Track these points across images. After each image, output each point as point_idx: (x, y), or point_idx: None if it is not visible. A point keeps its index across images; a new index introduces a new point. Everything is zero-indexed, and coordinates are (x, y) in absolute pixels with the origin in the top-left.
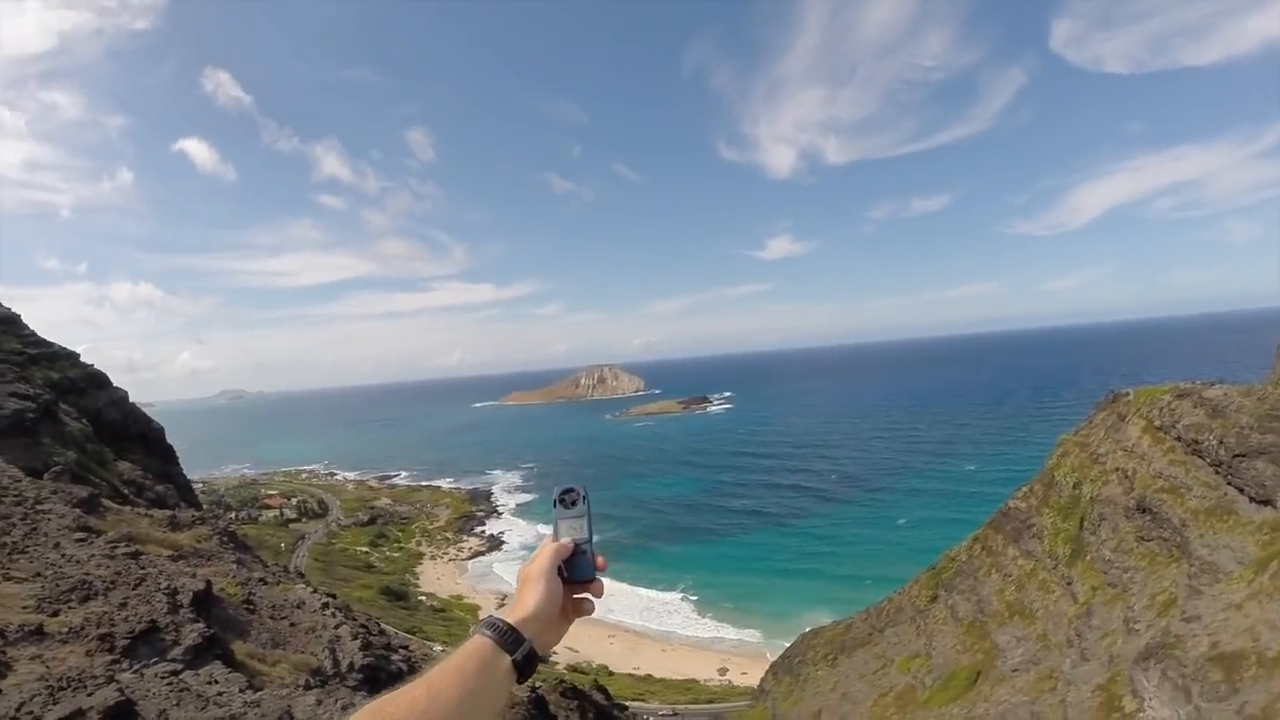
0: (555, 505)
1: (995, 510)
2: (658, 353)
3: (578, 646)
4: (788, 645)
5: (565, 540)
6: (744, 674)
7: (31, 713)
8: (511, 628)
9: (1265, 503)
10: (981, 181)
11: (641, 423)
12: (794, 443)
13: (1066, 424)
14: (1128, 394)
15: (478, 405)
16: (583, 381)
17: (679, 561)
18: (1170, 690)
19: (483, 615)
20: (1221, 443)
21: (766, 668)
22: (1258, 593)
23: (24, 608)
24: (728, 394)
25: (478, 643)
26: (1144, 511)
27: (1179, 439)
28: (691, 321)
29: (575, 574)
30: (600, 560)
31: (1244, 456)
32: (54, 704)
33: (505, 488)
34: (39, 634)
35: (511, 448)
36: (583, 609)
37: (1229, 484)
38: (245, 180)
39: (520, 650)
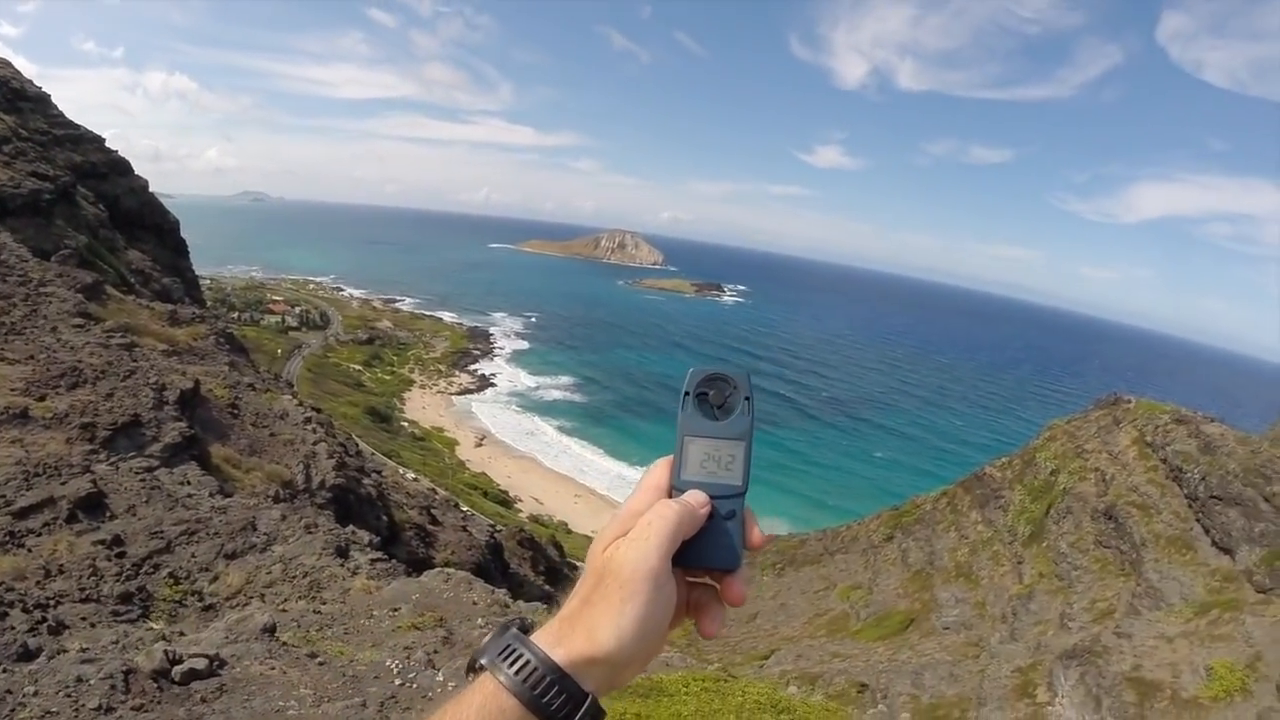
0: (685, 404)
1: (969, 472)
2: (684, 231)
3: (544, 499)
4: None
5: (696, 494)
6: None
7: (4, 496)
8: (562, 675)
9: (1226, 551)
10: (1047, 148)
11: (651, 296)
12: (792, 352)
13: (1059, 410)
14: (1129, 401)
15: (494, 246)
16: (603, 243)
17: (653, 440)
18: (1083, 695)
19: (461, 452)
20: (1204, 479)
21: None
22: (1191, 634)
23: (12, 390)
24: (743, 288)
25: (492, 702)
26: (1110, 519)
27: (1164, 461)
28: (726, 208)
29: (705, 558)
30: (756, 533)
31: (1220, 500)
32: (28, 489)
33: (505, 331)
34: (23, 417)
35: (519, 294)
36: (708, 614)
37: (1198, 520)
38: None
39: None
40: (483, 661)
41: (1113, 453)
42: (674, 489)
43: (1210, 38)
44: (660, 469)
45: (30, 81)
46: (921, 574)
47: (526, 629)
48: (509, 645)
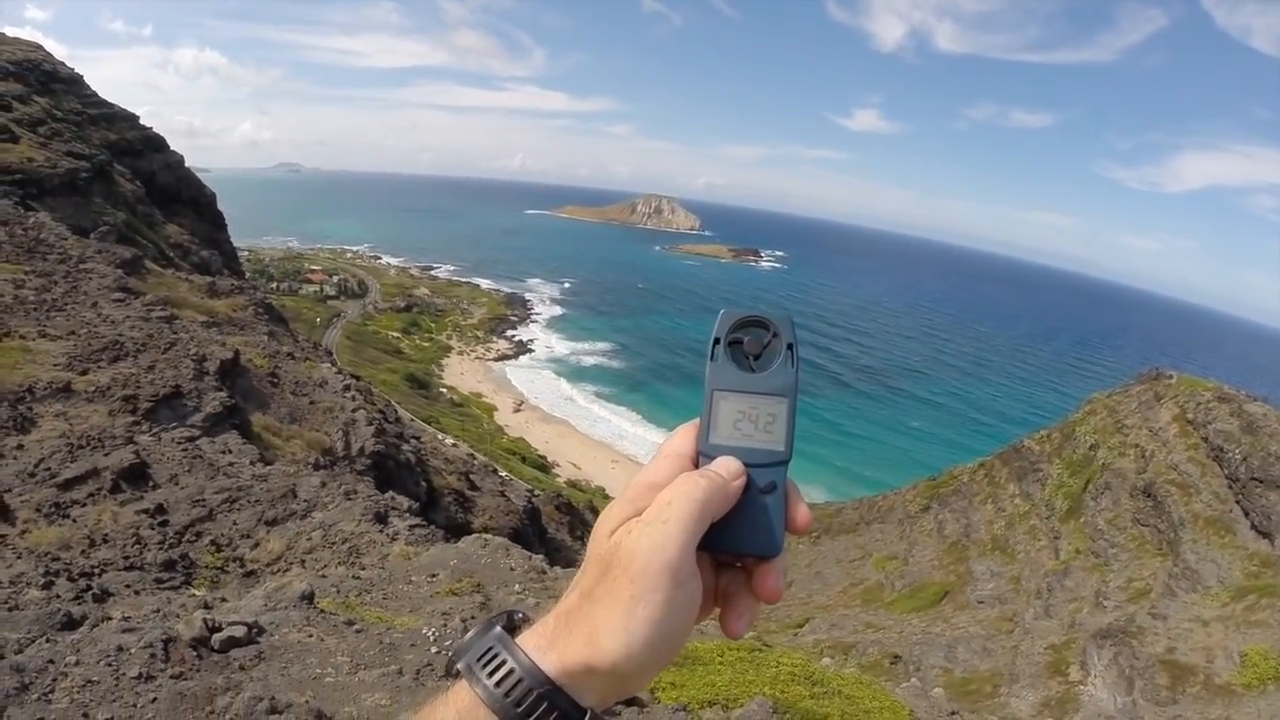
0: (715, 353)
1: (1006, 446)
2: (720, 196)
3: (581, 464)
4: None
5: (728, 462)
6: None
7: (49, 469)
8: (553, 688)
9: (1265, 535)
10: (1089, 113)
11: (688, 261)
12: (828, 319)
13: (1099, 383)
14: (1170, 376)
15: (530, 212)
16: (639, 208)
17: (691, 408)
18: (1116, 675)
19: (499, 418)
20: (1245, 460)
21: None
22: (1227, 618)
23: (55, 365)
24: (780, 253)
25: (467, 718)
26: (1149, 496)
27: (1205, 440)
28: (762, 173)
29: (736, 542)
30: (802, 509)
31: (1261, 483)
32: (72, 461)
33: (541, 298)
34: (66, 391)
35: (556, 260)
36: (736, 608)
37: (1238, 502)
38: None
39: None
40: (460, 666)
41: (1153, 429)
42: (701, 455)
43: (1257, 2)
44: (684, 434)
45: (62, 64)
46: (957, 546)
47: (515, 626)
48: (490, 648)
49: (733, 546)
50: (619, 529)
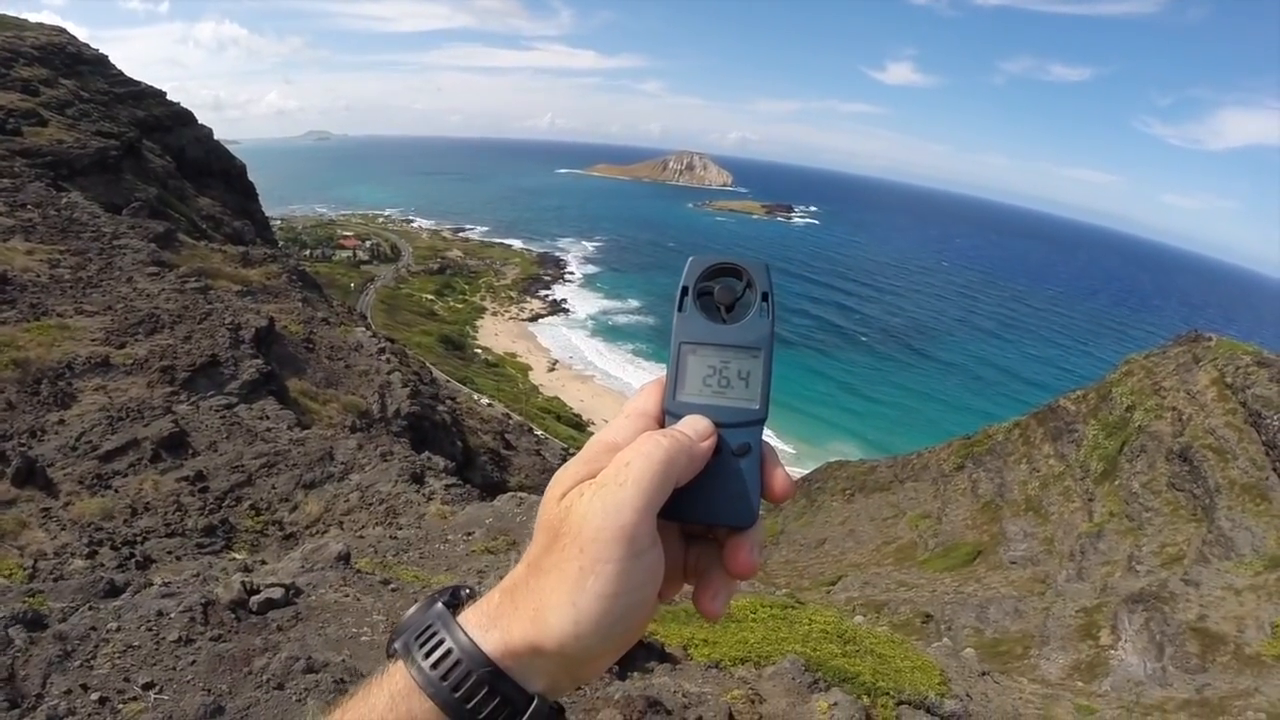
0: (684, 303)
1: (1042, 405)
2: (753, 152)
3: (607, 416)
4: (810, 470)
5: (696, 421)
6: None
7: (90, 442)
8: (495, 671)
9: None
10: (1130, 67)
11: (721, 218)
12: (858, 279)
13: (1135, 346)
14: (1209, 339)
15: (561, 171)
16: (671, 165)
17: None
18: (1146, 641)
19: (534, 377)
20: None
21: None
22: (1260, 587)
23: (93, 340)
24: (813, 209)
25: (401, 704)
26: (1185, 460)
27: (1244, 404)
28: (795, 128)
29: (706, 510)
30: (781, 476)
31: None
32: (112, 434)
33: (574, 257)
34: (105, 365)
35: (588, 218)
36: (711, 586)
37: (1274, 469)
38: None
39: None
40: (396, 645)
41: (1191, 392)
42: (667, 415)
43: None
44: (649, 392)
45: (86, 45)
46: (991, 506)
47: (460, 602)
48: (429, 626)
49: (702, 516)
50: (570, 492)
